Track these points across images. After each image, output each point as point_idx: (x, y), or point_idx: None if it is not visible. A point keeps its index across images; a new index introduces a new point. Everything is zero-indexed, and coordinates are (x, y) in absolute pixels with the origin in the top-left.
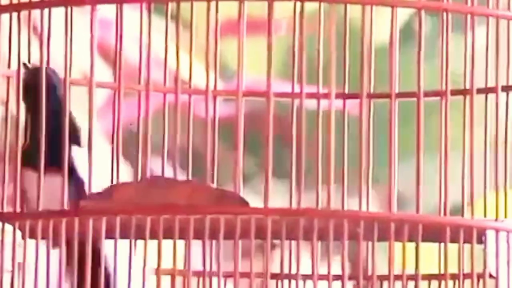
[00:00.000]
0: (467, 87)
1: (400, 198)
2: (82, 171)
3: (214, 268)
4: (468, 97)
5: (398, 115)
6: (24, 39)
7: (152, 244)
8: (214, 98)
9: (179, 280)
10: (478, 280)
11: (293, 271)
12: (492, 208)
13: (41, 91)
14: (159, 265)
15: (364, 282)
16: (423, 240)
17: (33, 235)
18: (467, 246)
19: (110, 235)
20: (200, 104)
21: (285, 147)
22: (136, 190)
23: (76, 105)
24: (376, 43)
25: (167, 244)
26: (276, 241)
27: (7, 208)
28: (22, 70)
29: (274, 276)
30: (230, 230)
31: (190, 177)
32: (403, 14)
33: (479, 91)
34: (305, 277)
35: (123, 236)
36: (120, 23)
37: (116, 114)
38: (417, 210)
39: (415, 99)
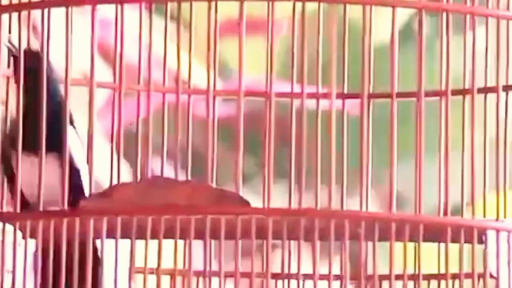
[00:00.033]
0: (467, 87)
1: (399, 198)
2: (75, 150)
3: (213, 268)
4: (467, 97)
5: (397, 115)
6: (24, 39)
7: (152, 244)
8: (213, 98)
9: (178, 280)
10: (479, 280)
11: (292, 271)
12: (491, 208)
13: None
14: (159, 264)
15: (364, 282)
16: (424, 240)
17: (33, 235)
18: (467, 246)
19: (110, 235)
20: (199, 104)
21: (284, 147)
22: (136, 190)
23: (76, 105)
24: (375, 43)
25: (165, 244)
26: (276, 241)
27: (6, 208)
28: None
29: (274, 276)
30: (231, 230)
31: (189, 177)
32: (403, 14)
33: (479, 90)
34: (305, 277)
35: (124, 236)
36: (121, 24)
37: (116, 114)
38: (418, 211)
39: (414, 99)
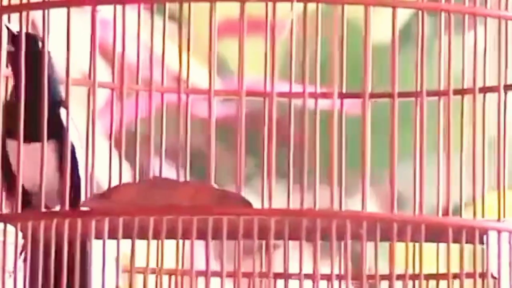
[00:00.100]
0: (465, 86)
1: (400, 198)
2: (72, 134)
3: (213, 268)
4: (466, 97)
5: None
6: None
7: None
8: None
9: (174, 279)
10: (482, 280)
11: (292, 270)
12: (491, 209)
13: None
14: (161, 264)
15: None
16: (425, 241)
17: (34, 236)
18: (467, 246)
19: (112, 235)
20: (197, 104)
21: (283, 147)
22: (138, 191)
23: (76, 105)
24: (375, 43)
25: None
26: (276, 241)
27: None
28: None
29: (275, 275)
30: (233, 230)
31: (188, 177)
32: (403, 14)
33: (478, 90)
34: (306, 276)
35: (125, 236)
36: (122, 24)
37: (117, 114)
38: (420, 211)
39: (413, 99)
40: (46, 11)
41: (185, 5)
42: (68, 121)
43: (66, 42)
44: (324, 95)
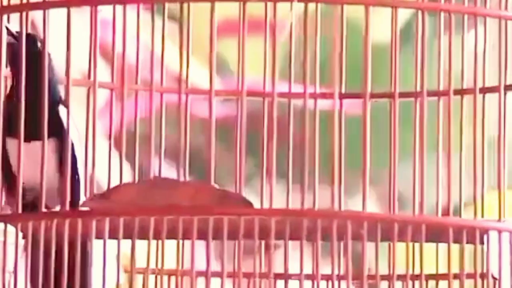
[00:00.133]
0: (465, 87)
1: (400, 198)
2: (72, 132)
3: (213, 268)
4: (466, 97)
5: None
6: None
7: (152, 244)
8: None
9: (174, 279)
10: (482, 281)
11: (292, 271)
12: (491, 209)
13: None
14: (162, 265)
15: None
16: (425, 241)
17: (35, 236)
18: (468, 247)
19: (113, 235)
20: (197, 104)
21: (282, 147)
22: (138, 191)
23: (76, 106)
24: (374, 43)
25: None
26: (276, 241)
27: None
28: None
29: (275, 276)
30: (233, 230)
31: (187, 177)
32: (403, 13)
33: (479, 90)
34: (306, 277)
35: (126, 236)
36: (123, 25)
37: (116, 115)
38: (420, 211)
39: (413, 99)
40: (46, 11)
41: (185, 5)
42: (69, 120)
43: (66, 42)
44: (324, 95)
